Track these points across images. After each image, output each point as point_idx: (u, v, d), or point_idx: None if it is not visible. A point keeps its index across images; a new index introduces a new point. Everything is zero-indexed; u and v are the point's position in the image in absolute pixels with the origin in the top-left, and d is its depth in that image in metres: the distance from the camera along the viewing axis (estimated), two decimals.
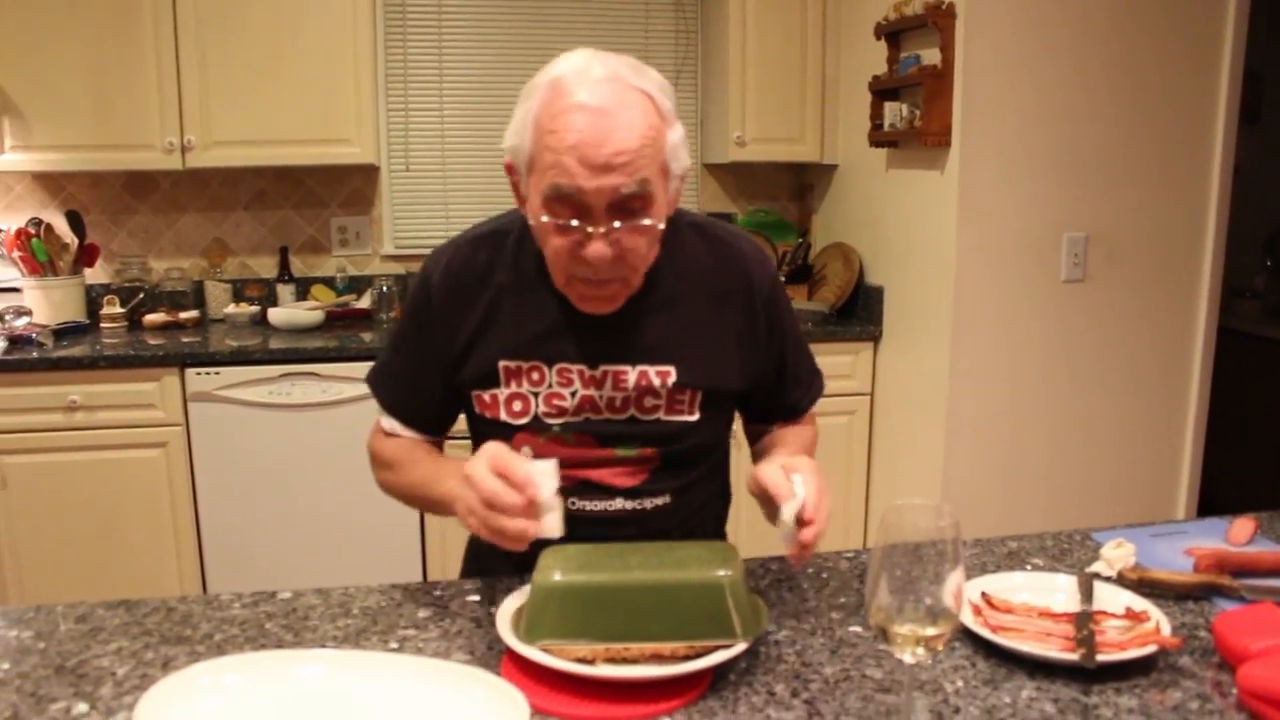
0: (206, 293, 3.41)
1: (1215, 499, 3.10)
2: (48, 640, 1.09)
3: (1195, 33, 2.81)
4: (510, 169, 1.24)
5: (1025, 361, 2.87)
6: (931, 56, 2.80)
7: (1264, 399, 3.88)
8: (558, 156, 1.11)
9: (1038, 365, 2.88)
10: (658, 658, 0.99)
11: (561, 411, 1.29)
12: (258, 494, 2.95)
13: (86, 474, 2.86)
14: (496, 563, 1.34)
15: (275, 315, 3.21)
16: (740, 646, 1.00)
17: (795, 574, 1.26)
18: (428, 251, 1.37)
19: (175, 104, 3.03)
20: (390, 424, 1.38)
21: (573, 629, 0.99)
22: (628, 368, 1.28)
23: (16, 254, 3.14)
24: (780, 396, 1.42)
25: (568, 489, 1.29)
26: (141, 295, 3.31)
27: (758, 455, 1.42)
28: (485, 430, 1.32)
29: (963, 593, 0.83)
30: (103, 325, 3.19)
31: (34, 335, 2.94)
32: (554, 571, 1.02)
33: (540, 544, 1.06)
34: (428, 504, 1.28)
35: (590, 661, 0.98)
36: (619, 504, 1.30)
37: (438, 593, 1.21)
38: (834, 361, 3.12)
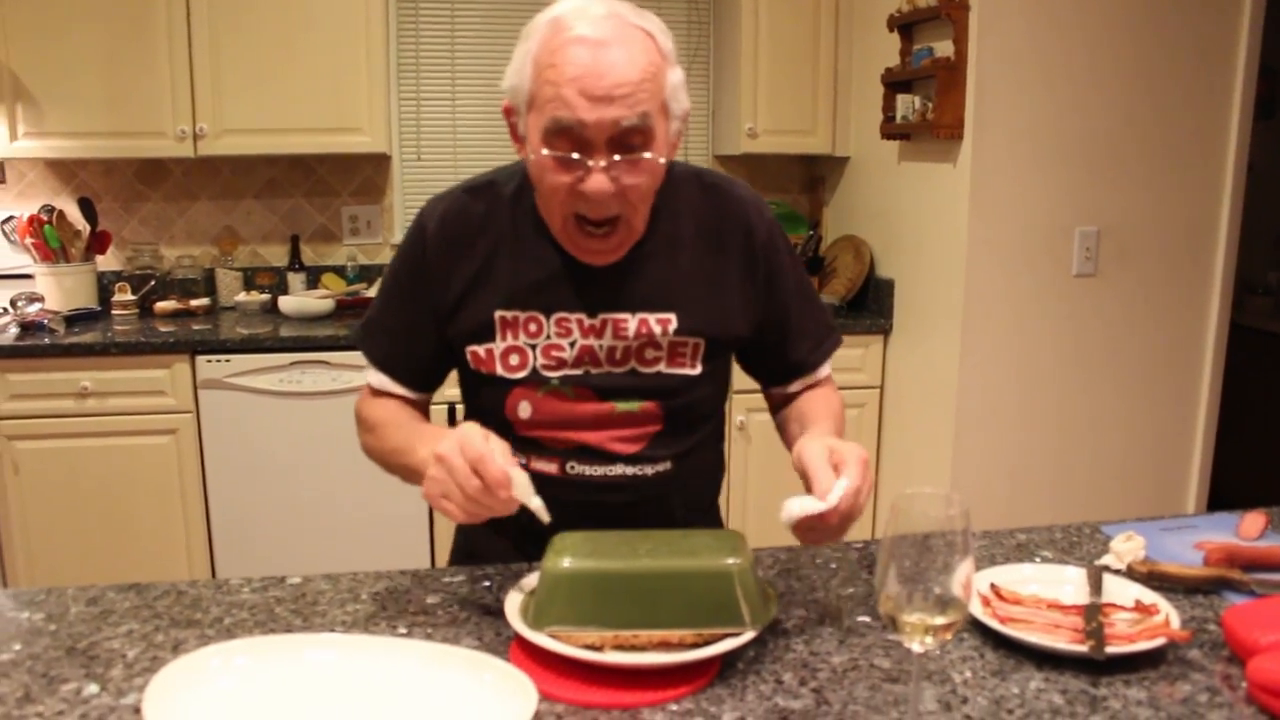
0: (217, 280, 3.42)
1: (1225, 494, 3.09)
2: (59, 622, 1.09)
3: (1210, 27, 2.79)
4: (508, 111, 1.21)
5: (1036, 355, 2.86)
6: (944, 49, 2.79)
7: (1275, 395, 3.87)
8: (558, 90, 1.10)
9: (1048, 359, 2.87)
10: (666, 645, 0.99)
11: (560, 364, 1.26)
12: (267, 481, 2.96)
13: (97, 460, 2.88)
14: (486, 542, 1.34)
15: (286, 303, 3.22)
16: (749, 635, 1.00)
17: (803, 564, 1.26)
18: None
19: (187, 92, 3.04)
20: (379, 379, 1.34)
21: (582, 615, 0.99)
22: (628, 315, 1.26)
23: (29, 240, 3.15)
24: (787, 350, 1.38)
25: (567, 451, 1.28)
26: (153, 282, 3.32)
27: (785, 428, 1.38)
28: (481, 388, 1.29)
29: (972, 583, 0.83)
30: (114, 312, 3.20)
31: (46, 321, 2.96)
32: (563, 558, 1.02)
33: (525, 522, 1.07)
34: (402, 471, 1.24)
35: (599, 648, 0.98)
36: (619, 469, 1.28)
37: (446, 579, 1.22)
38: (844, 354, 3.04)
